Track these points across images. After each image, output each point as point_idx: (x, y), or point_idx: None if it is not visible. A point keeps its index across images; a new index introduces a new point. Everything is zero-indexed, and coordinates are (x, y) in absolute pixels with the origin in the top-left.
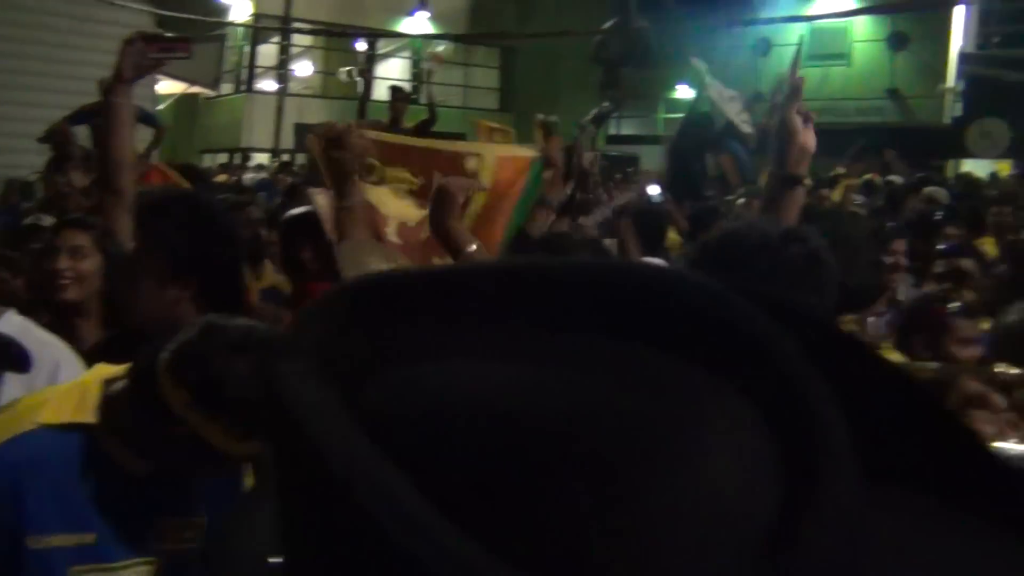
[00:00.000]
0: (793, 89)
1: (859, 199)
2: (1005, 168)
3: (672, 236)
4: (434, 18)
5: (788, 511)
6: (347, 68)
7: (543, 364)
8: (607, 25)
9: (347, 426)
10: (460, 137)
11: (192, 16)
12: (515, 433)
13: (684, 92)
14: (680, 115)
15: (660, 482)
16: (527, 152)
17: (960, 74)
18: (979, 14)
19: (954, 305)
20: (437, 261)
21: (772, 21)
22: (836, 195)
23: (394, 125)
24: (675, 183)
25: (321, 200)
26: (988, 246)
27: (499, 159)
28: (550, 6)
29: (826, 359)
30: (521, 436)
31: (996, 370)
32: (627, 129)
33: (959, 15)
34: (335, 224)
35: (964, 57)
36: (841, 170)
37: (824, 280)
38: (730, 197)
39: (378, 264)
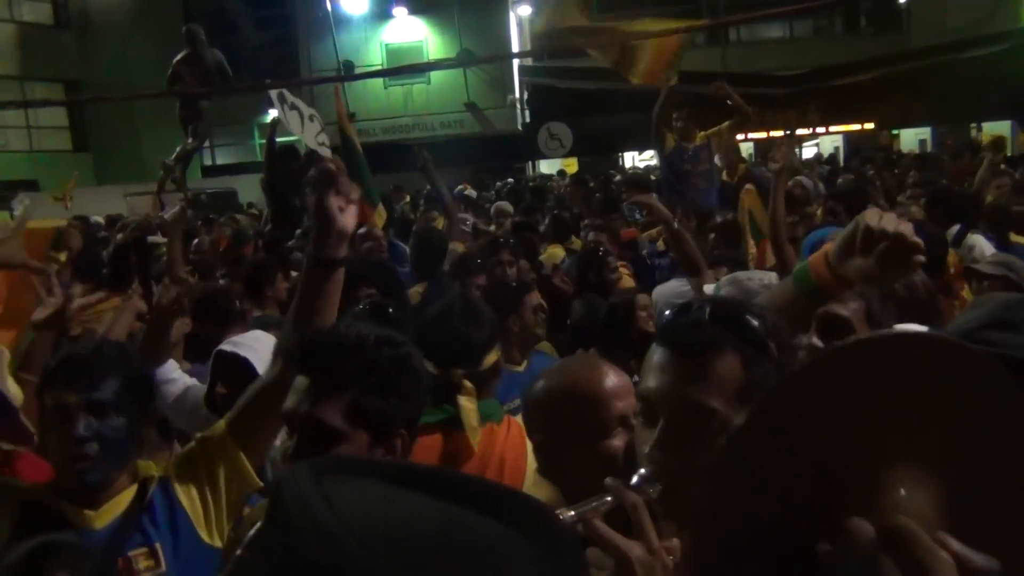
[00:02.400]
0: (320, 174)
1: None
2: (572, 165)
3: None
4: None
5: None
6: None
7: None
8: (178, 59)
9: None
10: (32, 185)
11: None
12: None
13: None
14: (279, 140)
15: None
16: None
17: (522, 85)
18: (531, 31)
19: None
20: None
21: (367, 75)
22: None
23: None
24: (276, 219)
25: None
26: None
27: (27, 232)
28: (115, 35)
29: None
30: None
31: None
32: (223, 159)
33: (515, 32)
34: None
35: (523, 69)
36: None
37: (408, 384)
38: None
39: None
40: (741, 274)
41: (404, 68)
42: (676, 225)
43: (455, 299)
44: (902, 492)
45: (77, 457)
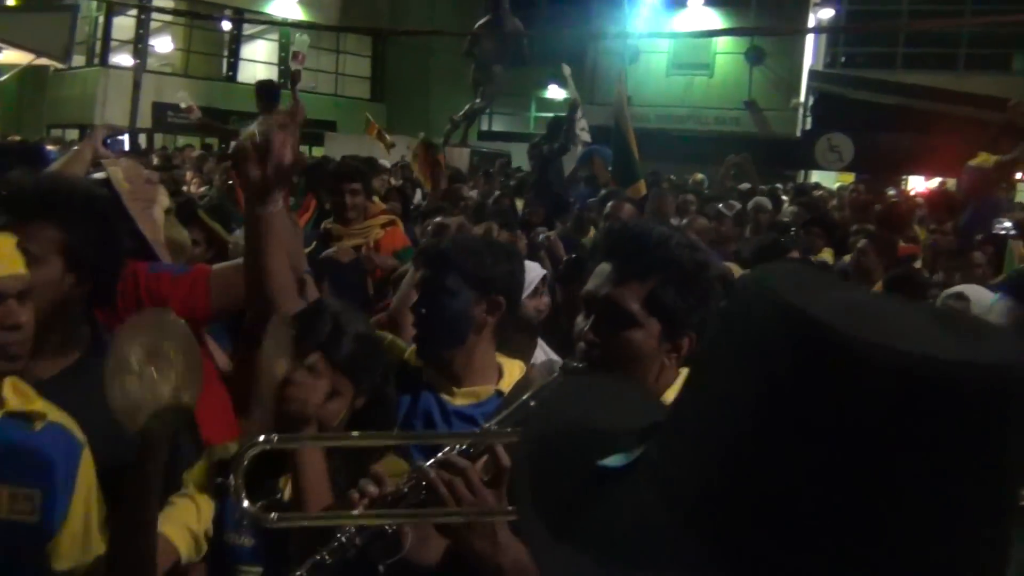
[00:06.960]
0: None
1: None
2: (847, 179)
3: None
4: (303, 2)
5: None
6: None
7: None
8: (480, 23)
9: None
10: (331, 125)
11: None
12: None
13: (555, 92)
14: (551, 115)
15: None
16: None
17: (810, 90)
18: (828, 35)
19: None
20: None
21: (643, 36)
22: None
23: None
24: (538, 184)
25: (116, 171)
26: (827, 255)
27: None
28: None
29: None
30: None
31: None
32: (498, 126)
33: (811, 35)
34: (247, 236)
35: (813, 74)
36: (699, 176)
37: (704, 289)
38: (592, 200)
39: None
40: None
41: (693, 34)
42: None
43: None
44: None
45: (415, 325)
